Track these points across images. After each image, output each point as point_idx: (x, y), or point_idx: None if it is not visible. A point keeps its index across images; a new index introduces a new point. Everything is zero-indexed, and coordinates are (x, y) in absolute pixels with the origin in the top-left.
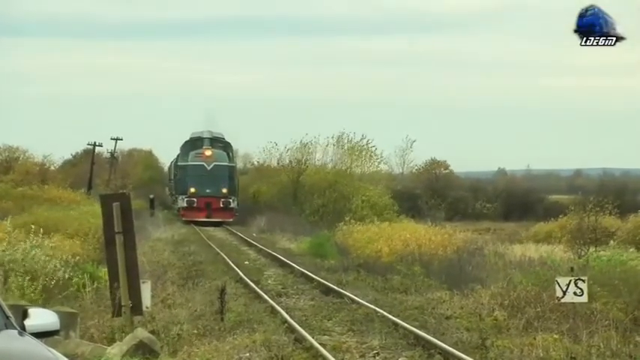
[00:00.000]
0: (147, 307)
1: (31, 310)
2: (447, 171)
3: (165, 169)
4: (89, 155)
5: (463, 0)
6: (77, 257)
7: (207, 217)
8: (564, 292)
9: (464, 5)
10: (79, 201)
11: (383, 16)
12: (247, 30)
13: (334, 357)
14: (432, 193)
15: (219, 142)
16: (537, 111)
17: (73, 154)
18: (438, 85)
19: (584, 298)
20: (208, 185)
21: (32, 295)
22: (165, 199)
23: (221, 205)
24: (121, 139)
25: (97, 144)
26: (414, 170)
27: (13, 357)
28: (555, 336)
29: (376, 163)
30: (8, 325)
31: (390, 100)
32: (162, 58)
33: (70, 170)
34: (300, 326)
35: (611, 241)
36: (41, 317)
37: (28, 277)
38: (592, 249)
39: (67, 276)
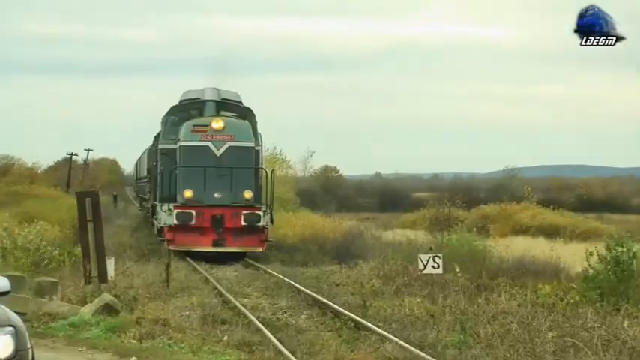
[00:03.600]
0: (111, 277)
1: None
2: (337, 174)
3: (129, 171)
4: (67, 162)
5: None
6: (58, 239)
7: (217, 245)
8: (425, 266)
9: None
10: (59, 197)
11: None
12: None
13: (252, 314)
14: (325, 191)
15: (234, 108)
16: (402, 125)
17: (55, 161)
18: (340, 108)
19: (440, 270)
20: (218, 185)
21: (24, 266)
22: (125, 195)
23: (243, 223)
24: (92, 150)
25: (73, 154)
26: (312, 174)
27: None
28: (418, 299)
29: (285, 169)
30: None
31: (301, 118)
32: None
33: (52, 174)
34: (227, 291)
35: (459, 224)
36: None
37: (22, 253)
38: (445, 233)
39: (54, 253)
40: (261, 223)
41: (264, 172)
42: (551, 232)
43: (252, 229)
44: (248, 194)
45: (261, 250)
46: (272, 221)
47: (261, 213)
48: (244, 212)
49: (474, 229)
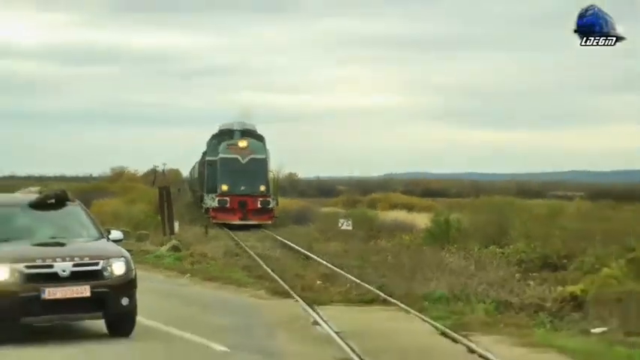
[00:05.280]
0: (176, 232)
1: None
2: (296, 177)
3: (185, 175)
4: (154, 170)
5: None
6: (149, 211)
7: (242, 220)
8: (342, 225)
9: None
10: (149, 190)
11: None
12: None
13: (251, 251)
14: (290, 187)
15: (253, 134)
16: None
17: (147, 170)
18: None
19: (350, 227)
20: (243, 182)
21: (130, 225)
22: (184, 189)
23: (259, 206)
24: (166, 164)
25: (156, 166)
26: (282, 177)
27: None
28: (339, 243)
29: None
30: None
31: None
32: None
33: (145, 177)
34: (240, 240)
35: (360, 203)
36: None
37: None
38: (353, 208)
39: (146, 218)
40: (270, 206)
41: (271, 174)
42: (410, 208)
43: (265, 210)
44: (262, 187)
45: (270, 222)
46: (277, 204)
47: (270, 199)
48: (260, 199)
49: (367, 206)
